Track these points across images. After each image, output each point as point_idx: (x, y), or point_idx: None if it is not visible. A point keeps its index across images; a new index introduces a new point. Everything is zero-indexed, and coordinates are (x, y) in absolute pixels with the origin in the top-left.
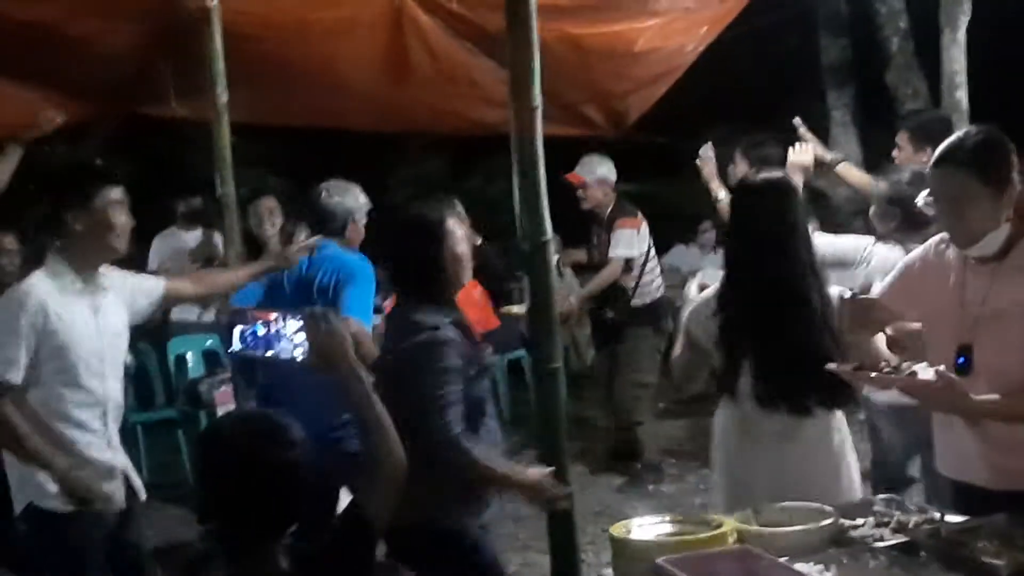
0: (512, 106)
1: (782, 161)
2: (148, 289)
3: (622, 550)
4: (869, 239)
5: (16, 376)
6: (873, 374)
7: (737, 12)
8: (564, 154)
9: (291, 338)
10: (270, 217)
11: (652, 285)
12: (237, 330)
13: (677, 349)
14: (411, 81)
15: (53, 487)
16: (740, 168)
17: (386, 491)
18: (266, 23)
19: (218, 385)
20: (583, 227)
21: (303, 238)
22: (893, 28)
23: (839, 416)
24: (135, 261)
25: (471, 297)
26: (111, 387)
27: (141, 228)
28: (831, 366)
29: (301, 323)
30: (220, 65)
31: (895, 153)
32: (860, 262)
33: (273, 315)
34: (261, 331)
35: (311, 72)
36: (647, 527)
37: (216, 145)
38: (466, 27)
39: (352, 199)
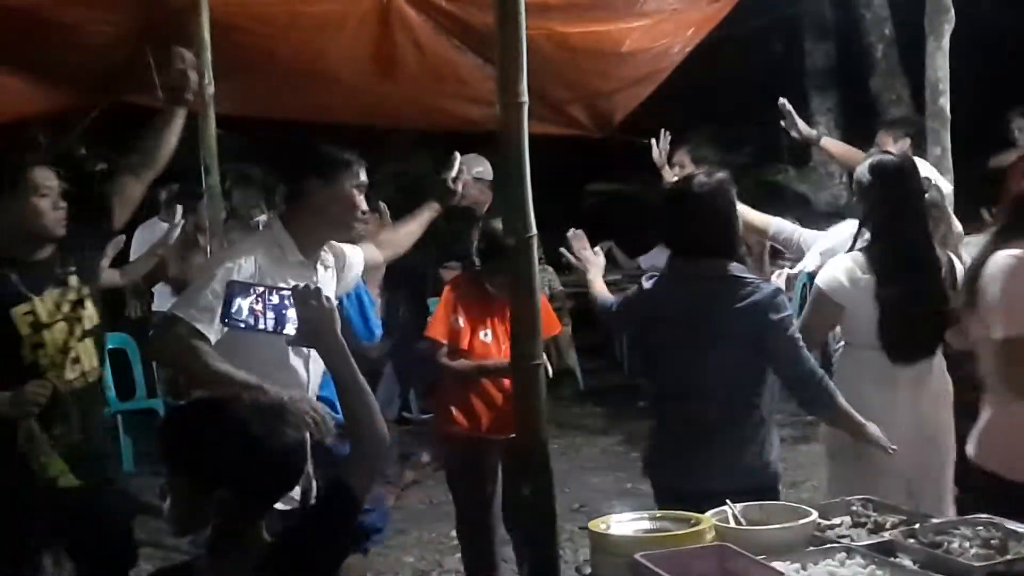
0: (499, 101)
1: (717, 161)
2: (355, 261)
3: (601, 545)
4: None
5: (208, 329)
6: None
7: (724, 15)
8: (548, 154)
9: (283, 312)
10: None
11: None
12: (245, 302)
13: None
14: (398, 77)
15: None
16: (688, 168)
17: (368, 463)
18: (254, 14)
19: None
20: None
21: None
22: (878, 35)
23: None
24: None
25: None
26: (315, 372)
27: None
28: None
29: (287, 298)
30: (207, 56)
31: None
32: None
33: (260, 289)
34: (257, 306)
35: (298, 65)
36: (626, 523)
37: (202, 136)
38: (454, 24)
39: None
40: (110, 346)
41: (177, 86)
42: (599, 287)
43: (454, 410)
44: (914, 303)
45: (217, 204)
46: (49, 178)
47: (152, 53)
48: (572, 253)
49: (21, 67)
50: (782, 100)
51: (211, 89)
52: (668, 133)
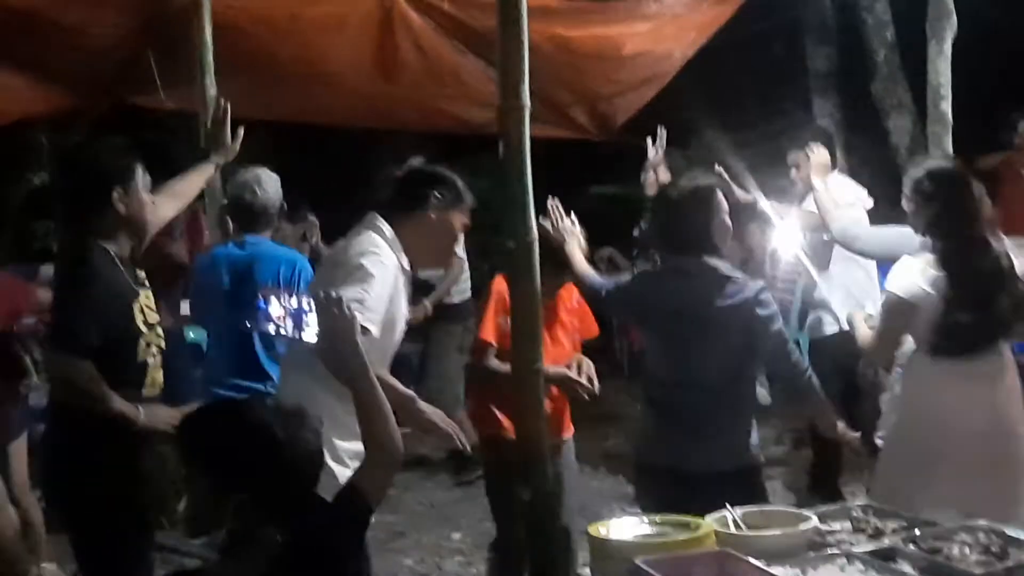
0: (501, 104)
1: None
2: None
3: (600, 550)
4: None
5: (377, 331)
6: None
7: (725, 19)
8: (549, 157)
9: (302, 318)
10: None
11: (463, 284)
12: (274, 306)
13: (868, 328)
14: (400, 79)
15: None
16: (661, 171)
17: (382, 473)
18: (256, 16)
19: None
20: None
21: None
22: (880, 39)
23: None
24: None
25: (570, 304)
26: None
27: None
28: None
29: (307, 304)
30: (208, 57)
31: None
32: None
33: (284, 294)
34: (279, 311)
35: (300, 67)
36: (626, 527)
37: (203, 138)
38: (456, 27)
39: (277, 189)
40: None
41: (218, 141)
42: (579, 261)
43: (499, 414)
44: (981, 298)
45: (216, 206)
46: (144, 172)
47: (154, 55)
48: (550, 224)
49: (23, 68)
50: (719, 169)
51: (212, 91)
52: (664, 131)
